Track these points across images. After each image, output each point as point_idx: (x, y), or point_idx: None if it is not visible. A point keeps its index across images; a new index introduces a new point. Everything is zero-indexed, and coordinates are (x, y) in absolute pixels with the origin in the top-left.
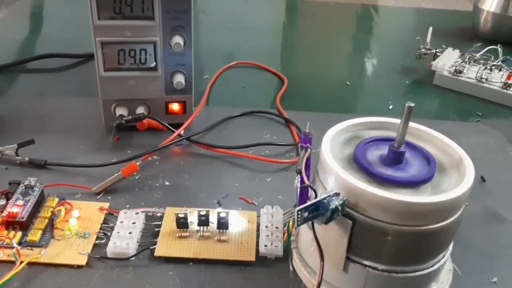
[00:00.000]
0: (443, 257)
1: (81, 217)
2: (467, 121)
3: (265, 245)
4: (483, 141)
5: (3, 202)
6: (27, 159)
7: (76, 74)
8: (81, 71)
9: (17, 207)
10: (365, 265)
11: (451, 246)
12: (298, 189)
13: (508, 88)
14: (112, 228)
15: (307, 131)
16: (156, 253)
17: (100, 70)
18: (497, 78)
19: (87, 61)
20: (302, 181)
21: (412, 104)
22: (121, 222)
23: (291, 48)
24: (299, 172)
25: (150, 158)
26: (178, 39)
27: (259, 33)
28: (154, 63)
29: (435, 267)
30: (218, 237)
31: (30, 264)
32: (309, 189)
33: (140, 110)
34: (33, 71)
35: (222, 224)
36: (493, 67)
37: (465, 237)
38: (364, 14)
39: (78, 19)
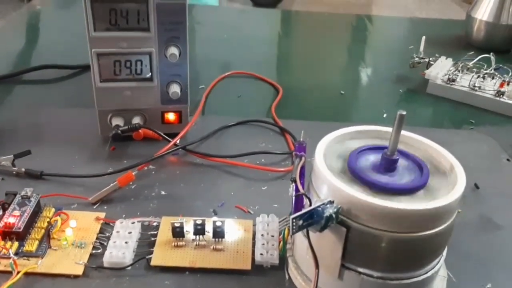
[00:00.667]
0: (437, 264)
1: (77, 227)
2: (461, 128)
3: (261, 254)
4: (476, 148)
5: None
6: (23, 169)
7: (72, 85)
8: (77, 82)
9: (14, 218)
10: (360, 273)
11: (445, 253)
12: (293, 198)
13: (501, 96)
14: (108, 238)
15: (301, 139)
16: (152, 263)
17: (96, 81)
18: (490, 86)
19: (83, 72)
20: (296, 190)
21: (404, 112)
22: (117, 231)
23: (286, 58)
24: (294, 181)
25: (146, 168)
26: (173, 50)
27: (254, 43)
28: (150, 74)
29: (429, 273)
30: (214, 246)
31: (26, 274)
32: (304, 197)
33: (136, 120)
34: (29, 82)
35: (218, 233)
36: (486, 75)
37: (459, 244)
38: (358, 24)
39: (74, 31)
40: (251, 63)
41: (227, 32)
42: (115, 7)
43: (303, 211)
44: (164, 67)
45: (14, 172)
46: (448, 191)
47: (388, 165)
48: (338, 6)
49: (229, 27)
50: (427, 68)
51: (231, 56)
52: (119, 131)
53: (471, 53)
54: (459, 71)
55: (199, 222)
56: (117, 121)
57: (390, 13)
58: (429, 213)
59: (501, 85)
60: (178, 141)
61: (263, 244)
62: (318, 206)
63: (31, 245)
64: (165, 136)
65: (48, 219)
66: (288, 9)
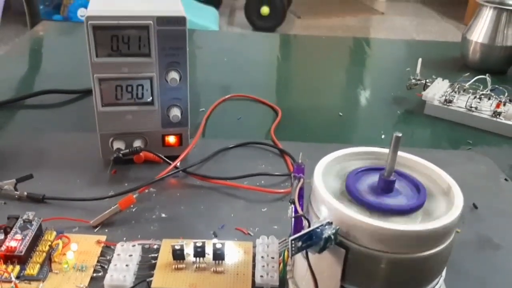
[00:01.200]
0: (436, 284)
1: (78, 251)
2: (458, 149)
3: (261, 276)
4: (474, 168)
5: (1, 236)
6: (25, 193)
7: (74, 110)
8: (79, 107)
9: (16, 241)
10: None
11: (444, 273)
12: (292, 219)
13: (497, 116)
14: (109, 261)
15: (299, 161)
16: (153, 285)
17: (98, 106)
18: (486, 107)
19: (84, 97)
20: (295, 211)
21: (399, 134)
22: (118, 254)
23: (285, 81)
24: (293, 202)
25: (146, 191)
26: (174, 75)
27: (253, 67)
28: (151, 98)
29: None
30: (214, 269)
31: None
32: (303, 218)
33: (137, 143)
34: (32, 107)
35: (218, 255)
36: (482, 96)
37: (459, 263)
38: (356, 47)
39: (76, 56)
40: (251, 86)
41: (227, 56)
42: (117, 33)
43: (302, 232)
44: (165, 91)
45: (16, 196)
46: (446, 212)
47: (386, 186)
48: (336, 29)
49: (229, 51)
50: (424, 90)
51: (231, 79)
52: (120, 155)
53: (467, 74)
54: (455, 92)
55: (199, 244)
56: (118, 145)
57: (388, 35)
58: (428, 233)
59: (498, 106)
60: (178, 164)
61: (263, 266)
62: (317, 227)
63: (32, 269)
64: (166, 159)
65: (49, 243)
66: (287, 33)
